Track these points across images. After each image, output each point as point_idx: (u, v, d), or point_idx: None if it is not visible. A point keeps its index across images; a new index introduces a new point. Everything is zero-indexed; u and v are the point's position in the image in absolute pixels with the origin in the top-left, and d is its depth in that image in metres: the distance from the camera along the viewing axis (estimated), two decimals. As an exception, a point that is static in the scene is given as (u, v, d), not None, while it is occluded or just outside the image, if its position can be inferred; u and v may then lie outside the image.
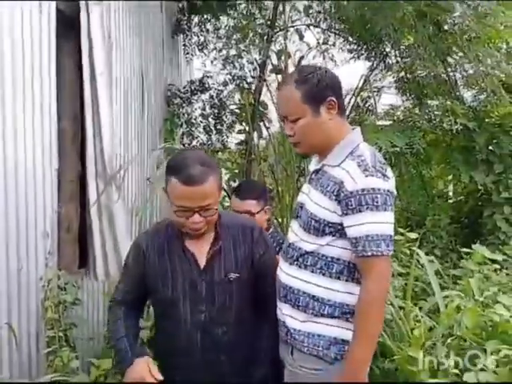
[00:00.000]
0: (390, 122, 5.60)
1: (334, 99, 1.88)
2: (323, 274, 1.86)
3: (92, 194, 3.27)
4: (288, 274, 1.95)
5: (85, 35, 3.19)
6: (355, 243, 1.78)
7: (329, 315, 1.86)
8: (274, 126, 5.88)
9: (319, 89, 1.86)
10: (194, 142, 5.61)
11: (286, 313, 1.95)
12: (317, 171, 1.96)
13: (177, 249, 1.89)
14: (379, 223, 1.75)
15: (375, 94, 6.04)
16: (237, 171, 5.77)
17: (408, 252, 3.43)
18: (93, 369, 2.64)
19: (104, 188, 3.23)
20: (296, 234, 1.96)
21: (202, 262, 1.90)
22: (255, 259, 1.97)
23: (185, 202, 1.76)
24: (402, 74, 5.43)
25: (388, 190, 1.78)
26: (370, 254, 1.75)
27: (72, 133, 3.42)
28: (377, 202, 1.74)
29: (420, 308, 2.75)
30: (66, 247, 3.38)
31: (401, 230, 3.47)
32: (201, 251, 1.90)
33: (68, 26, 3.20)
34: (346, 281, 1.85)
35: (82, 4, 3.17)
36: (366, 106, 5.73)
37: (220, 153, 6.16)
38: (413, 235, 3.41)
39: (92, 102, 3.23)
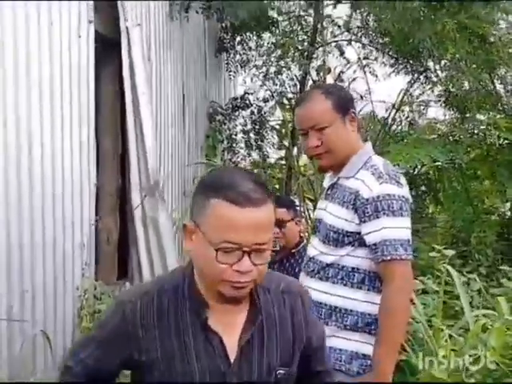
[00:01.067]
0: (434, 137, 5.51)
1: (355, 112, 1.95)
2: (344, 285, 1.87)
3: (136, 206, 3.37)
4: (310, 288, 1.96)
5: (126, 57, 3.32)
6: (374, 249, 1.78)
7: (351, 327, 1.86)
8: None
9: (345, 100, 1.94)
10: (235, 158, 5.71)
11: None
12: (332, 186, 1.98)
13: (193, 324, 1.18)
14: (396, 228, 1.76)
15: (422, 108, 5.97)
16: (277, 186, 5.82)
17: (442, 269, 3.35)
18: (122, 379, 2.71)
19: (145, 196, 3.32)
20: (315, 248, 1.98)
21: (233, 350, 1.18)
22: (309, 341, 1.30)
23: (234, 233, 1.10)
24: (445, 87, 5.33)
25: (403, 196, 1.80)
26: (389, 258, 1.74)
27: (112, 149, 3.57)
28: (392, 208, 1.76)
29: (451, 326, 2.68)
30: (105, 259, 3.51)
31: (437, 247, 3.40)
32: (230, 330, 1.19)
33: (108, 47, 3.35)
34: (368, 290, 1.85)
35: (123, 27, 3.31)
36: (408, 120, 5.65)
37: (269, 169, 6.24)
38: (449, 252, 3.33)
39: (134, 120, 3.34)
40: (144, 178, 3.40)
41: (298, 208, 2.88)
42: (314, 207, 4.91)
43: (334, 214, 1.90)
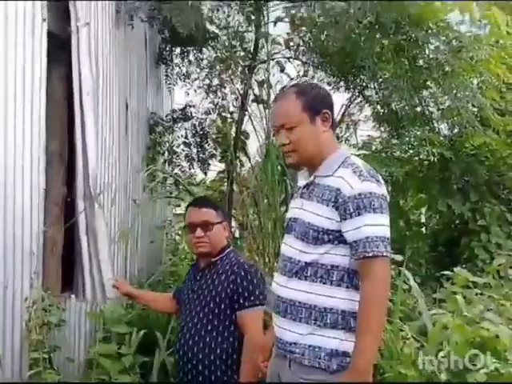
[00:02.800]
0: (368, 153, 5.73)
1: (329, 112, 1.98)
2: (324, 283, 1.89)
3: (80, 216, 3.25)
4: (288, 288, 1.96)
5: (75, 57, 3.21)
6: (355, 246, 1.82)
7: (331, 325, 1.87)
8: (255, 156, 5.95)
9: (317, 101, 1.98)
10: (177, 170, 5.64)
11: (285, 327, 1.96)
12: (308, 185, 2.01)
13: None
14: (377, 225, 1.81)
15: (353, 125, 6.20)
16: (219, 200, 5.80)
17: (393, 273, 3.48)
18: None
19: (85, 207, 3.22)
20: (292, 246, 1.98)
21: None
22: None
23: None
24: (380, 106, 5.59)
25: (383, 195, 1.86)
26: (371, 254, 1.78)
27: (58, 155, 3.42)
28: (374, 205, 1.81)
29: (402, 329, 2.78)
30: (50, 270, 3.33)
31: (384, 253, 3.54)
32: None
33: (59, 47, 3.23)
34: (347, 287, 1.88)
35: (74, 27, 3.20)
36: (345, 136, 5.86)
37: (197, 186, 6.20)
38: (398, 257, 3.48)
39: (81, 124, 3.24)
40: (87, 186, 3.28)
41: (224, 212, 2.62)
42: (259, 220, 4.94)
43: (312, 212, 1.93)
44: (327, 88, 5.75)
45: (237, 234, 5.62)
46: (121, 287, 2.74)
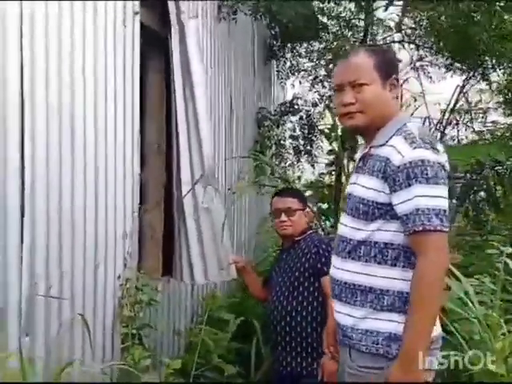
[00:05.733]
0: (493, 140, 5.26)
1: (398, 79, 1.86)
2: (378, 263, 1.75)
3: (185, 200, 3.28)
4: (342, 269, 1.86)
5: (176, 50, 3.24)
6: (405, 220, 1.67)
7: (388, 307, 1.74)
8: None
9: (388, 64, 1.86)
10: (284, 164, 5.64)
11: (342, 311, 1.86)
12: (363, 157, 1.88)
13: None
14: (430, 197, 1.64)
15: (483, 112, 5.74)
16: (326, 192, 5.70)
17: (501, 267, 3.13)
18: (164, 367, 2.70)
19: (193, 185, 3.23)
20: (345, 224, 1.87)
21: None
22: None
23: None
24: (506, 88, 5.09)
25: (439, 163, 1.68)
26: (421, 228, 1.63)
27: (156, 143, 3.57)
28: (426, 175, 1.64)
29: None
30: (149, 254, 3.48)
31: (495, 244, 3.20)
32: None
33: (152, 40, 3.36)
34: (403, 267, 1.73)
35: (173, 20, 3.26)
36: (465, 122, 5.42)
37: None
38: (507, 249, 3.12)
39: (186, 112, 3.25)
40: (197, 170, 3.30)
41: (306, 200, 3.11)
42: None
43: (363, 186, 1.80)
44: (443, 71, 5.38)
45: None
46: (240, 261, 3.27)
